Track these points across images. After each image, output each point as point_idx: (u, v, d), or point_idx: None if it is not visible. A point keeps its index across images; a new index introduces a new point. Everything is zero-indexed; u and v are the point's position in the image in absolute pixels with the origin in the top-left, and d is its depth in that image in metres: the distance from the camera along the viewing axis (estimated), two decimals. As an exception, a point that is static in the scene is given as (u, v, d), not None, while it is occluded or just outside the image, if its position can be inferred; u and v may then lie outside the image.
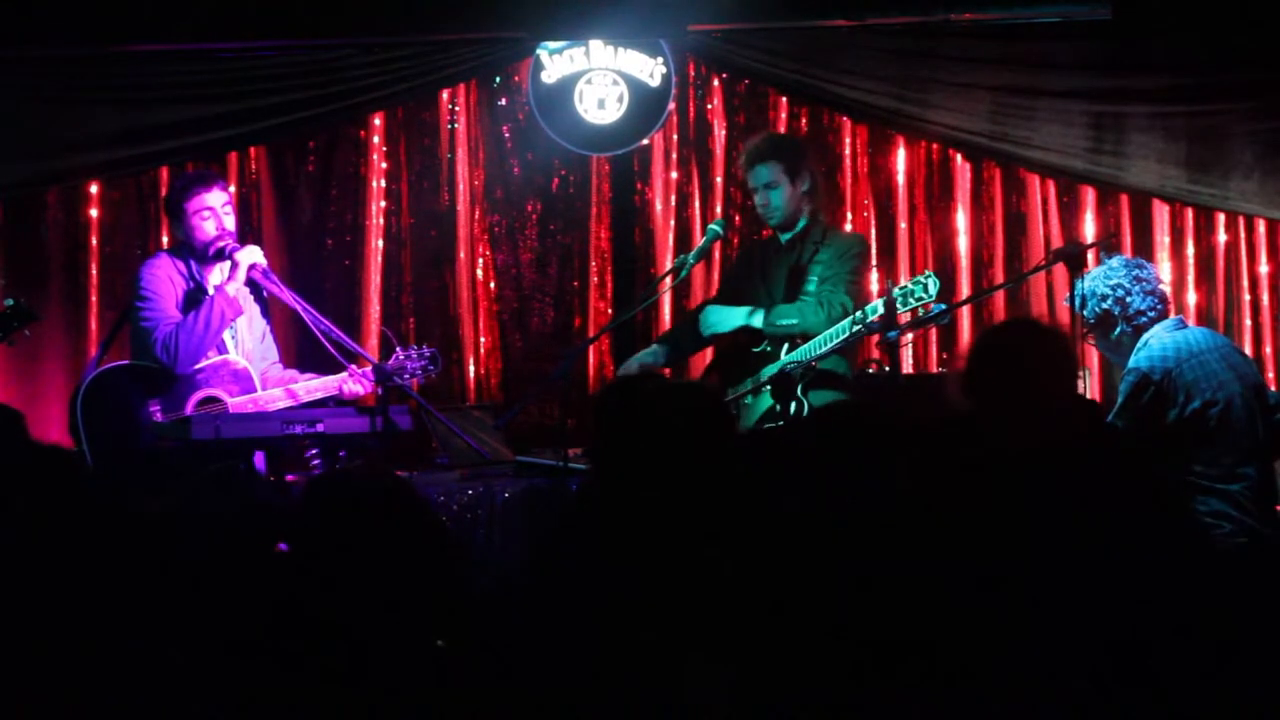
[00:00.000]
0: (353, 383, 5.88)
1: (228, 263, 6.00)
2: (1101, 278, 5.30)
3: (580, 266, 7.35)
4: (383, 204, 7.25)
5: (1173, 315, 5.32)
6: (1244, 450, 5.11)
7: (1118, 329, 5.27)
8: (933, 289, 5.39)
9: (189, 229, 5.93)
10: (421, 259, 7.30)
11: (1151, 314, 5.25)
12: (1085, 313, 5.32)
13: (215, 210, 5.93)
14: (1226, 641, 2.83)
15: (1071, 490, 3.22)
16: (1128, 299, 5.25)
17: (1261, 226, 6.97)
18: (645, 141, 7.16)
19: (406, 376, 5.95)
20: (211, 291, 5.97)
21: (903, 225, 7.18)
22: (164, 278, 5.92)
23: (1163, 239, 7.00)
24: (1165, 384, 5.09)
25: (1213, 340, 5.29)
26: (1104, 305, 5.28)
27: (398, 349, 6.00)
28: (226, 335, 6.01)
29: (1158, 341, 5.19)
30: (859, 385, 5.89)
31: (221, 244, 5.91)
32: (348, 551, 2.50)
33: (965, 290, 7.07)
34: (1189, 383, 5.09)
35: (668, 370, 6.43)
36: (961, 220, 7.17)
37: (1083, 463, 3.29)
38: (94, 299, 6.98)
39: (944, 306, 5.71)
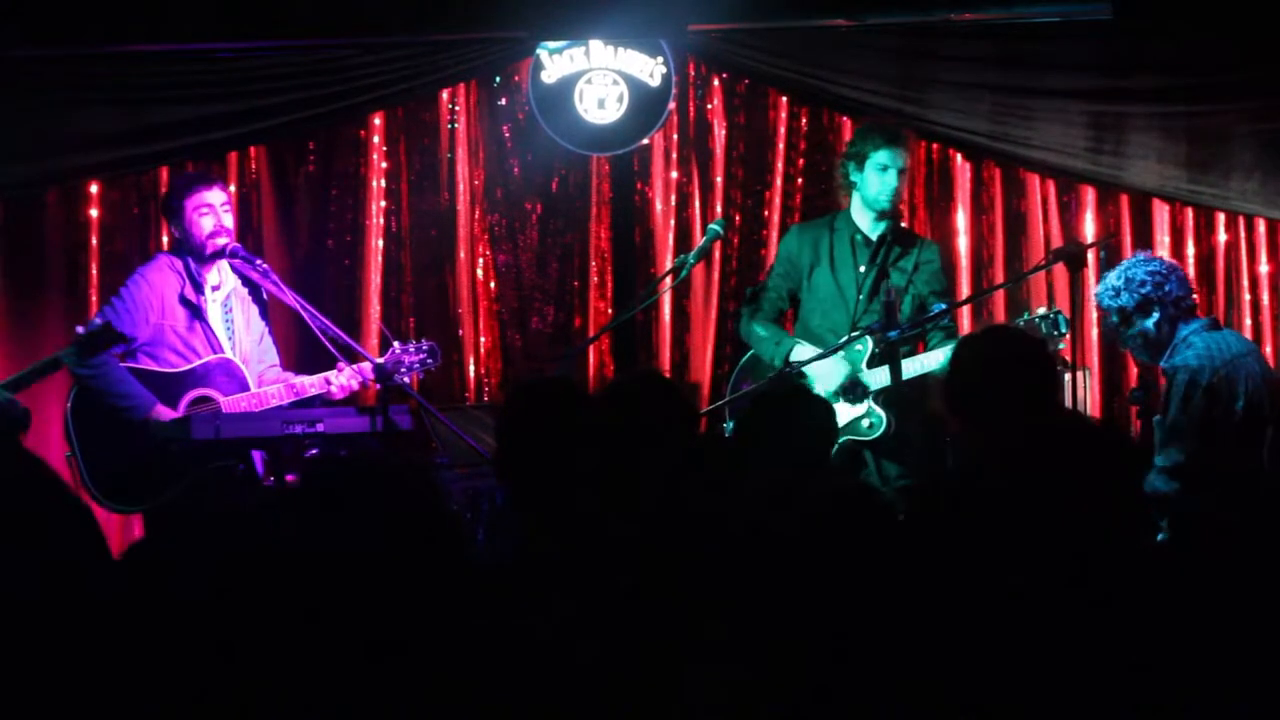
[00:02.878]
0: (343, 377, 5.88)
1: (225, 263, 6.02)
2: (1141, 264, 5.29)
3: (580, 266, 7.35)
4: (383, 204, 7.25)
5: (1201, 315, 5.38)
6: None
7: (1154, 316, 5.26)
8: (1063, 327, 5.55)
9: (187, 225, 5.94)
10: (421, 259, 7.30)
11: (1187, 303, 5.27)
12: (1122, 300, 5.29)
13: (214, 208, 5.95)
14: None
15: (1053, 501, 3.21)
16: (1166, 285, 5.25)
17: (1261, 226, 6.96)
18: (645, 141, 7.16)
19: (404, 370, 5.96)
20: (208, 292, 5.99)
21: (903, 225, 7.17)
22: (155, 288, 5.92)
23: (1163, 239, 7.00)
24: (1216, 384, 5.10)
25: (1244, 344, 5.35)
26: (1143, 291, 5.26)
27: (395, 343, 6.01)
28: (223, 335, 6.02)
29: (1199, 340, 5.20)
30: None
31: (221, 242, 5.92)
32: (347, 539, 2.50)
33: (965, 290, 7.06)
34: (1235, 382, 5.12)
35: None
36: (961, 220, 7.16)
37: (1068, 474, 3.28)
38: (94, 299, 6.97)
39: (944, 306, 5.73)
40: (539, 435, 3.49)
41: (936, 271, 6.05)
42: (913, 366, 5.73)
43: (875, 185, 5.97)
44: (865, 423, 5.84)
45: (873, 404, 5.84)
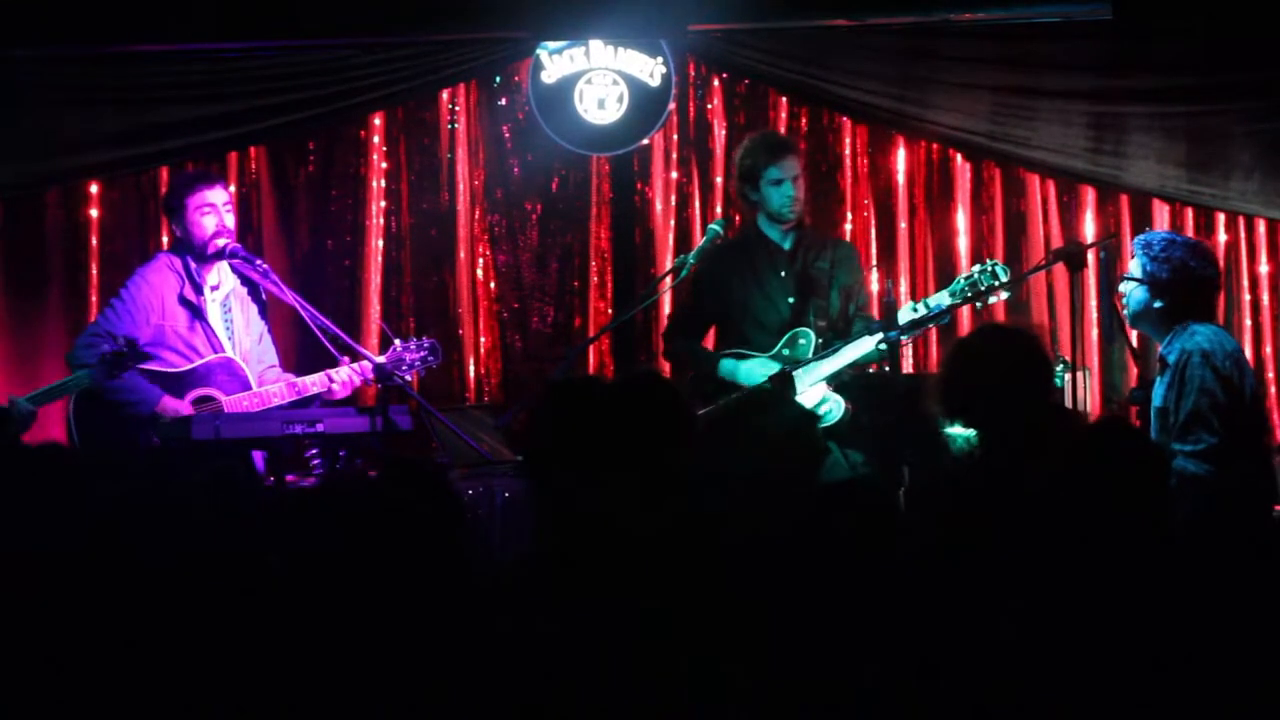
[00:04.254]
0: (344, 373, 5.88)
1: (224, 263, 6.01)
2: (1191, 253, 5.19)
3: (580, 266, 7.35)
4: (383, 204, 7.24)
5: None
6: None
7: (1159, 302, 5.21)
8: (1002, 275, 5.58)
9: (189, 225, 5.94)
10: (421, 259, 7.30)
11: (1200, 310, 5.24)
12: (1151, 268, 5.18)
13: (216, 207, 5.94)
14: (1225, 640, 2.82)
15: (1049, 499, 3.21)
16: (1189, 286, 5.19)
17: (1261, 226, 6.96)
18: (645, 141, 7.15)
19: (406, 368, 5.96)
20: (208, 292, 5.98)
21: (903, 225, 7.18)
22: (155, 289, 5.91)
23: (1162, 239, 6.99)
24: (1229, 367, 5.08)
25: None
26: (1170, 275, 5.19)
27: (396, 341, 6.01)
28: (223, 335, 6.01)
29: (1204, 328, 5.17)
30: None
31: (222, 242, 5.92)
32: (357, 554, 2.50)
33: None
34: (1243, 367, 5.14)
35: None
36: (961, 220, 7.16)
37: (1061, 471, 3.28)
38: (94, 299, 6.97)
39: (944, 306, 5.73)
40: (572, 434, 3.49)
41: (855, 264, 6.11)
42: (836, 361, 5.79)
43: (774, 200, 6.02)
44: (822, 409, 5.88)
45: (828, 391, 5.87)
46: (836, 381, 5.87)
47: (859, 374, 5.94)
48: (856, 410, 5.86)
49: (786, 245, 6.08)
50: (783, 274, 6.06)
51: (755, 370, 5.92)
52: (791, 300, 6.02)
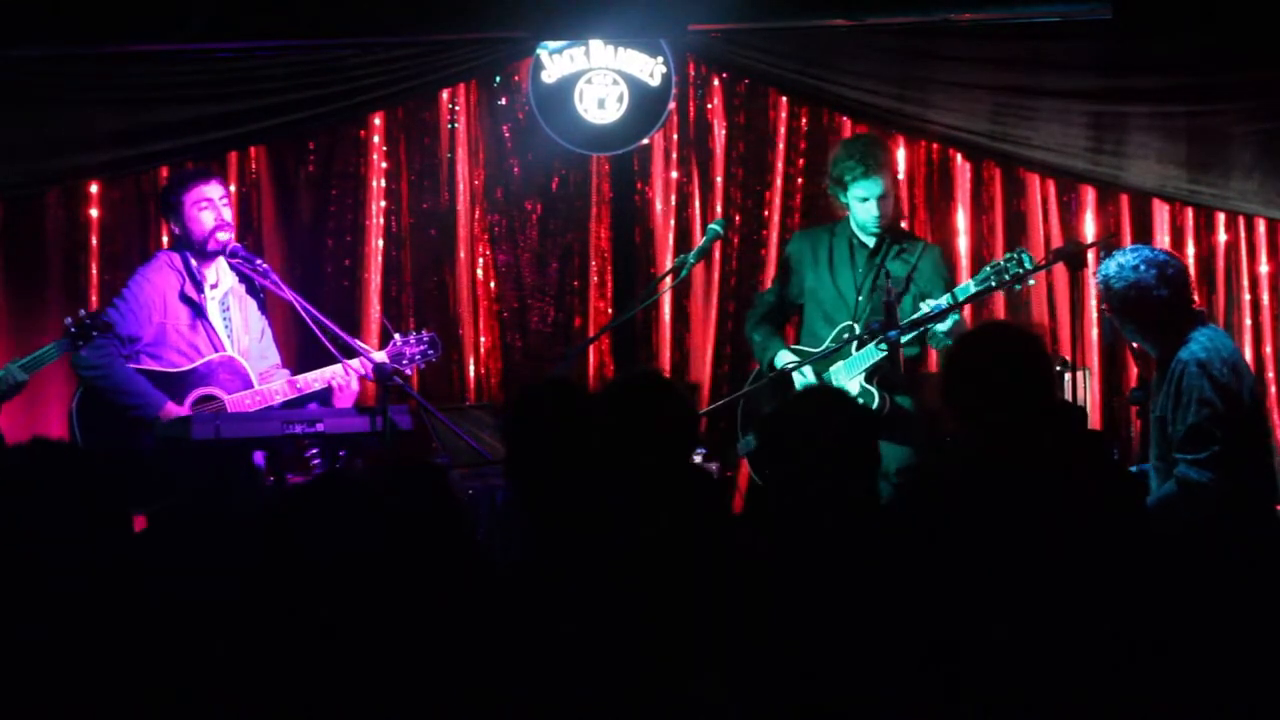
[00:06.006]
0: (339, 374, 5.87)
1: (223, 262, 6.00)
2: (1148, 264, 5.20)
3: (580, 266, 7.35)
4: (383, 204, 7.25)
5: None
6: None
7: (1156, 319, 5.21)
8: (1028, 263, 5.59)
9: (187, 221, 5.93)
10: (421, 259, 7.31)
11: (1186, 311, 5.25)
12: (1138, 293, 5.20)
13: (213, 201, 5.94)
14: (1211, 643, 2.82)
15: (1048, 498, 3.21)
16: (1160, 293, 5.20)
17: (1261, 226, 6.96)
18: (645, 141, 7.15)
19: (406, 363, 5.97)
20: (207, 290, 5.98)
21: (903, 225, 7.17)
22: (157, 287, 5.90)
23: (1163, 239, 6.99)
24: (1226, 375, 5.08)
25: (1231, 341, 5.37)
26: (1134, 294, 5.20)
27: (395, 336, 6.01)
28: (222, 332, 6.01)
29: (1201, 335, 5.17)
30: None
31: (224, 236, 5.91)
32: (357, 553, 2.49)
33: (965, 290, 7.05)
34: (1241, 374, 5.14)
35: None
36: (961, 220, 7.16)
37: (1060, 471, 3.28)
38: (94, 299, 6.97)
39: (943, 305, 5.73)
40: (541, 437, 3.49)
41: (937, 271, 6.07)
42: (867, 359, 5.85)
43: (860, 213, 6.08)
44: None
45: (864, 383, 5.87)
46: (880, 373, 5.86)
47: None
48: (895, 403, 5.89)
49: (870, 241, 6.09)
50: (859, 270, 6.07)
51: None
52: (860, 298, 6.04)
